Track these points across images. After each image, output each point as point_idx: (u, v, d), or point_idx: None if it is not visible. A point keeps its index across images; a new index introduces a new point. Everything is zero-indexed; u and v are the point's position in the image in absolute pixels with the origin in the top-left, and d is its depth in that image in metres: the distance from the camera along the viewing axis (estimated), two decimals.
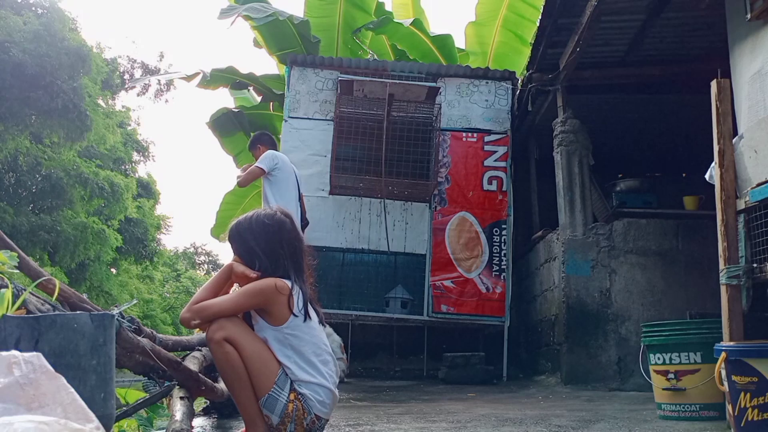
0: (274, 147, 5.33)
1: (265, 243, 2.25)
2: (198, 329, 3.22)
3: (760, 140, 2.86)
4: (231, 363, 2.10)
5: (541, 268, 6.54)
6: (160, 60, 29.92)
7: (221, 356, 2.12)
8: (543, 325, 6.41)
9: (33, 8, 15.09)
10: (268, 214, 2.32)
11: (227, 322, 2.12)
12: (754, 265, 2.79)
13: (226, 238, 2.36)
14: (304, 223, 5.20)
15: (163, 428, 2.56)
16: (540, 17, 5.61)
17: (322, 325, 2.31)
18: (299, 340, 2.16)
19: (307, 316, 2.19)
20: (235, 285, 2.33)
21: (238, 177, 5.09)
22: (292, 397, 2.11)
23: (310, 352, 2.17)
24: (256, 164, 5.00)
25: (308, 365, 2.16)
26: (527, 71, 6.46)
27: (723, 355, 2.45)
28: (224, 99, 57.37)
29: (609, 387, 5.23)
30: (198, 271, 38.15)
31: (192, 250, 40.53)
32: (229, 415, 3.26)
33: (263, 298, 2.16)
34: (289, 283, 2.20)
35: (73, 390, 1.23)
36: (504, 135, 6.74)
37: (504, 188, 6.63)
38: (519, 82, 6.91)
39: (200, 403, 3.36)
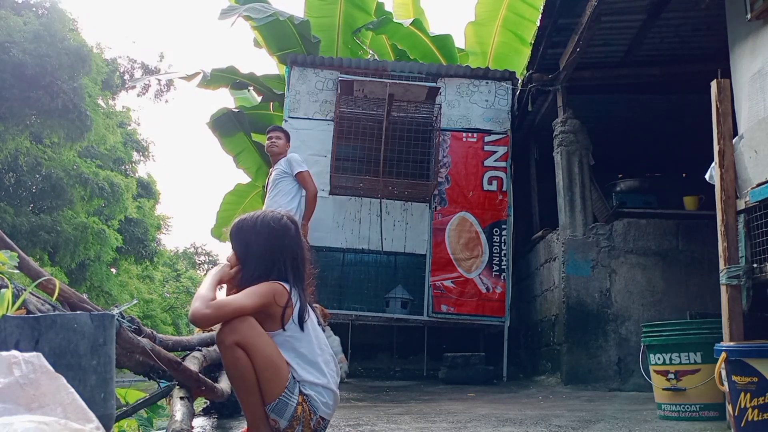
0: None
1: (265, 246, 2.20)
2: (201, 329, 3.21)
3: (760, 140, 2.85)
4: (240, 369, 2.03)
5: (541, 268, 6.54)
6: (160, 60, 29.95)
7: (230, 361, 2.05)
8: (543, 325, 6.41)
9: (33, 8, 15.07)
10: (275, 218, 2.26)
11: (240, 324, 2.04)
12: (754, 265, 2.79)
13: (228, 234, 2.28)
14: None
15: (163, 428, 2.56)
16: (540, 17, 5.61)
17: (321, 327, 2.28)
18: (299, 342, 2.13)
19: (302, 325, 2.14)
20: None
21: (310, 191, 5.20)
22: (300, 399, 2.07)
23: (311, 353, 2.14)
24: (301, 170, 5.19)
25: (311, 366, 2.13)
26: (527, 71, 6.46)
27: (723, 355, 2.44)
28: (224, 99, 57.29)
29: (609, 387, 5.23)
30: (198, 272, 38.09)
31: (192, 250, 40.53)
32: (230, 415, 3.26)
33: (269, 299, 2.10)
34: (287, 286, 2.15)
35: (73, 390, 1.23)
36: (504, 135, 6.74)
37: (504, 188, 6.63)
38: (519, 82, 6.90)
39: (200, 403, 3.36)
